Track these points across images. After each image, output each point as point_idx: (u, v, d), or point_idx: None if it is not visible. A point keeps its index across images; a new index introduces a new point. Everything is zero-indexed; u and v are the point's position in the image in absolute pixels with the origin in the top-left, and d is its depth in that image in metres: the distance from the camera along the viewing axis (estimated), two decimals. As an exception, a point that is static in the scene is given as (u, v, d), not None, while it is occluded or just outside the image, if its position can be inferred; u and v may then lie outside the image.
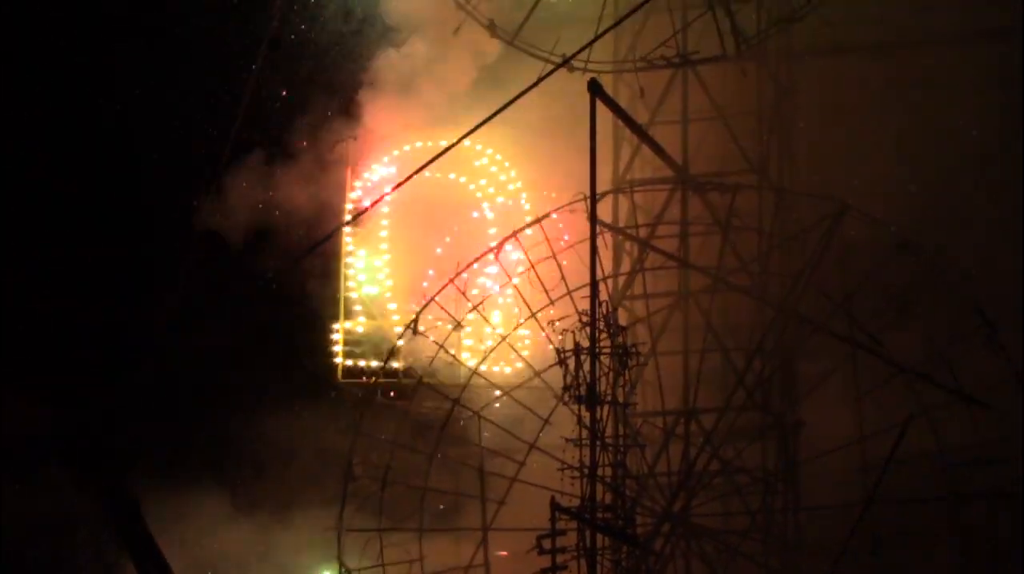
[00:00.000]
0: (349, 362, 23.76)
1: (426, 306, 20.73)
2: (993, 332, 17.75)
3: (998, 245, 19.44)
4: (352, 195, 24.11)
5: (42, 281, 24.62)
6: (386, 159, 23.86)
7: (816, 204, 19.03)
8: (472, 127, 17.29)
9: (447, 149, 18.42)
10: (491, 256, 20.83)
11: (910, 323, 18.46)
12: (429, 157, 18.73)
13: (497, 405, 20.83)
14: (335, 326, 23.86)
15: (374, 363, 23.37)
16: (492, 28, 21.41)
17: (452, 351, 21.09)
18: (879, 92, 20.33)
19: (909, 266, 18.36)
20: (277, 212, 23.88)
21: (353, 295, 23.98)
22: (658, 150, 19.42)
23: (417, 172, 18.46)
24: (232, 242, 23.84)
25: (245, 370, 24.79)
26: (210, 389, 24.70)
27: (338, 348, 23.78)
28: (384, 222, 23.82)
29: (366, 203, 23.43)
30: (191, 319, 21.86)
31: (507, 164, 23.57)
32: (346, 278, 24.03)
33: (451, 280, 20.60)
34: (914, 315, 18.44)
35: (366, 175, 24.07)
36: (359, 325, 23.83)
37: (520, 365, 21.11)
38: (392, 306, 23.70)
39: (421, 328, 20.80)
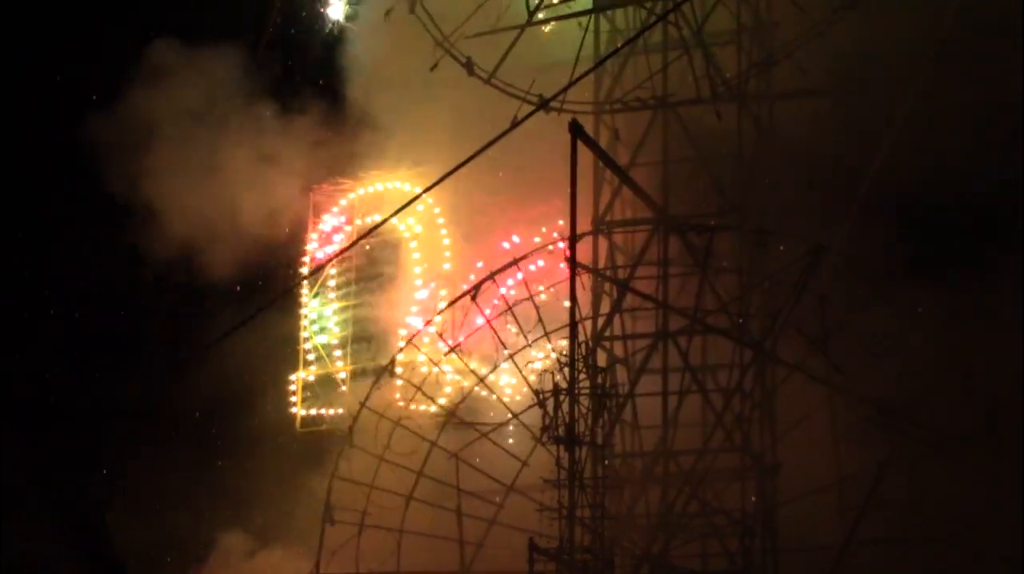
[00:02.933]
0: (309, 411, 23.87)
1: (403, 348, 20.72)
2: (970, 372, 17.79)
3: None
4: (308, 247, 24.26)
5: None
6: (342, 202, 23.94)
7: (795, 245, 19.07)
8: (448, 171, 17.23)
9: (426, 190, 18.49)
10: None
11: (889, 363, 18.46)
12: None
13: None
14: (292, 376, 23.92)
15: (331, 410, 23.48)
16: (469, 66, 21.44)
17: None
18: (858, 133, 20.38)
19: (888, 306, 18.40)
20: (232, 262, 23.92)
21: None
22: (638, 191, 19.46)
23: (399, 211, 18.51)
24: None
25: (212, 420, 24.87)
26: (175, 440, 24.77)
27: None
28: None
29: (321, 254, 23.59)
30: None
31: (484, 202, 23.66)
32: (303, 328, 24.10)
33: (428, 322, 20.60)
34: (893, 355, 18.44)
35: (320, 226, 24.20)
36: (311, 373, 23.88)
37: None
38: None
39: (398, 370, 20.81)
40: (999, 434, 17.78)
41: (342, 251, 23.32)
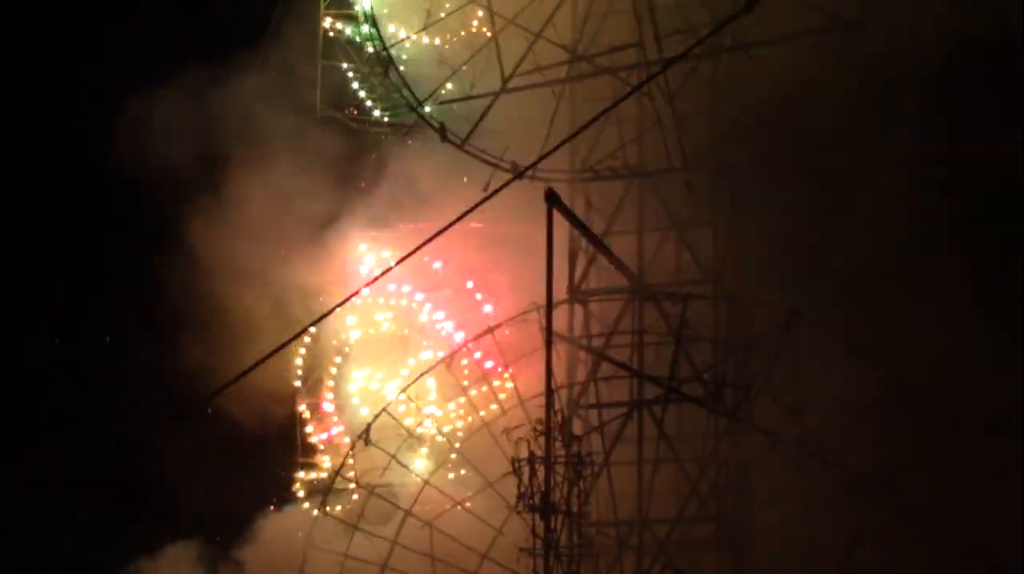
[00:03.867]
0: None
1: (377, 416, 20.69)
2: (944, 442, 17.85)
3: (954, 352, 19.55)
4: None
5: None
6: None
7: (769, 313, 19.15)
8: (424, 240, 17.27)
9: (402, 259, 18.48)
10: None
11: (864, 432, 18.51)
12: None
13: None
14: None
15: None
16: (443, 132, 21.54)
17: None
18: (833, 199, 20.50)
19: (862, 374, 18.46)
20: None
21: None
22: (613, 260, 19.54)
23: (371, 283, 18.55)
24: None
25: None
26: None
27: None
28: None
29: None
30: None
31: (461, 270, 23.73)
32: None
33: (404, 390, 20.61)
34: (867, 424, 18.49)
35: None
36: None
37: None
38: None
39: (373, 438, 20.75)
40: (975, 504, 17.83)
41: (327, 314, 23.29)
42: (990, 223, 19.03)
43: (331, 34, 25.07)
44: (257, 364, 19.64)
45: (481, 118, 21.28)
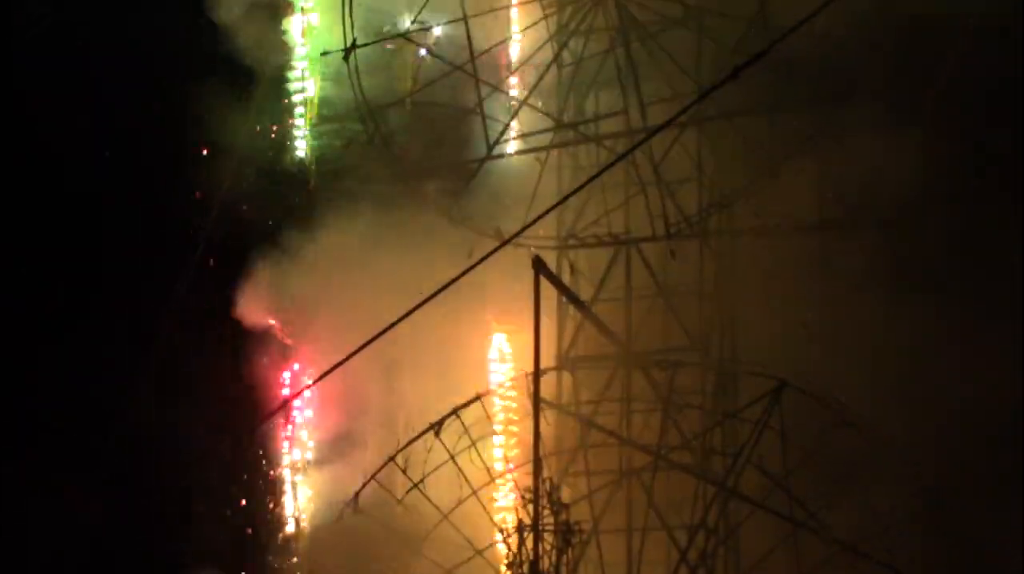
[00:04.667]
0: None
1: (365, 485, 20.62)
2: (937, 508, 17.86)
3: (942, 418, 19.57)
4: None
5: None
6: None
7: (757, 381, 19.18)
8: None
9: (390, 326, 18.43)
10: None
11: (852, 499, 18.51)
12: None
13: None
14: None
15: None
16: (427, 198, 21.62)
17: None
18: (820, 271, 20.58)
19: (850, 442, 18.48)
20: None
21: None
22: (601, 327, 19.57)
23: (363, 347, 18.46)
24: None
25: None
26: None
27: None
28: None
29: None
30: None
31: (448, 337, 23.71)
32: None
33: (391, 458, 20.53)
34: (856, 491, 18.50)
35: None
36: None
37: None
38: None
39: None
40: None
41: (315, 382, 23.25)
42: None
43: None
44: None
45: (466, 185, 21.36)
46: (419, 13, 22.04)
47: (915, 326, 19.52)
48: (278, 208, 24.72)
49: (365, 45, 21.48)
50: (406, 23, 22.37)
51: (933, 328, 19.29)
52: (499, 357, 22.53)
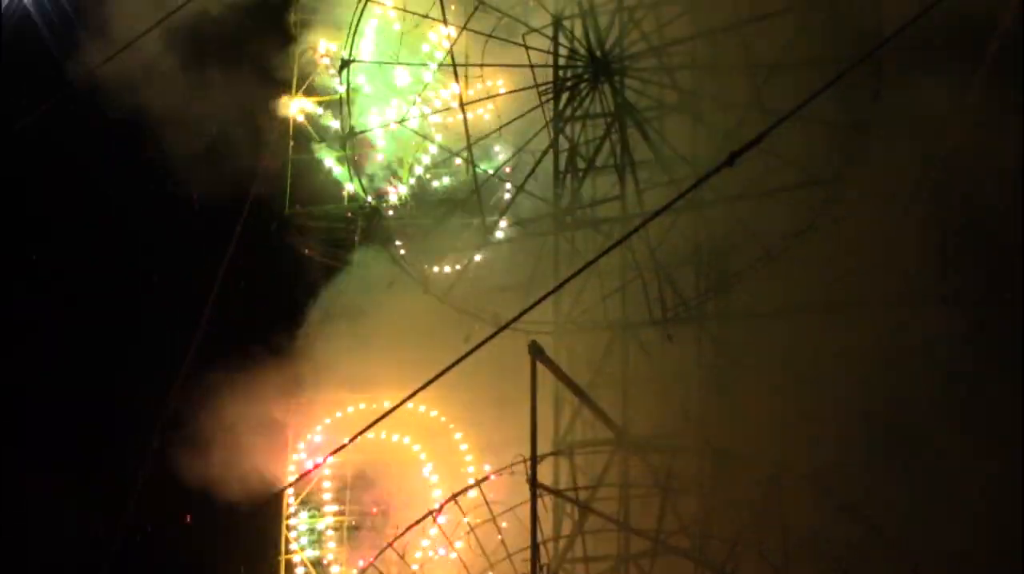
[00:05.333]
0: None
1: (364, 570, 20.51)
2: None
3: (938, 505, 19.49)
4: (295, 457, 24.18)
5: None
6: (327, 420, 23.97)
7: (756, 466, 19.10)
8: (411, 392, 17.26)
9: (387, 414, 18.43)
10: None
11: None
12: (369, 418, 18.79)
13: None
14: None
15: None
16: (425, 284, 21.67)
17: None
18: (818, 355, 20.58)
19: (850, 528, 18.37)
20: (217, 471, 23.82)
21: (295, 558, 23.92)
22: (598, 412, 19.53)
23: (356, 437, 18.47)
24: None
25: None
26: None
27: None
28: (326, 484, 23.86)
29: (309, 465, 23.50)
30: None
31: (446, 421, 23.74)
32: (287, 541, 23.97)
33: (390, 544, 20.44)
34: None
35: (308, 436, 24.15)
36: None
37: None
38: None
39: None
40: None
41: (320, 464, 23.24)
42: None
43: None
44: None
45: (463, 271, 21.42)
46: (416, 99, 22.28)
47: (915, 411, 19.52)
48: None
49: (363, 132, 21.66)
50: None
51: (934, 413, 19.30)
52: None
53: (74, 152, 25.90)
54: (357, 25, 21.83)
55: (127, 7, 24.40)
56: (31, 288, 26.36)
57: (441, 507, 20.48)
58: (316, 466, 22.63)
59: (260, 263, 25.09)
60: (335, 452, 20.82)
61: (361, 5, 21.78)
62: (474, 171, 21.42)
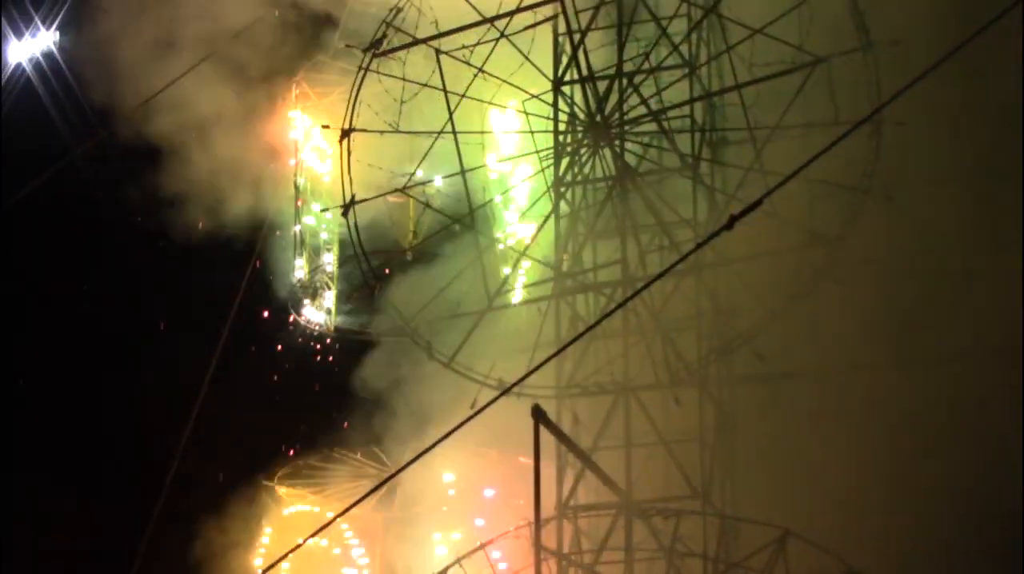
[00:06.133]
0: None
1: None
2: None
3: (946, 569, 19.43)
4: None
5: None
6: None
7: (760, 529, 19.04)
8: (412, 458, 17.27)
9: (384, 481, 18.52)
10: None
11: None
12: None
13: None
14: None
15: None
16: (429, 350, 21.69)
17: None
18: (820, 418, 20.57)
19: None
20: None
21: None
22: (602, 475, 19.47)
23: (367, 496, 18.45)
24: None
25: None
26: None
27: None
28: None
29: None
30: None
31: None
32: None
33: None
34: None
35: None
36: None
37: None
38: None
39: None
40: None
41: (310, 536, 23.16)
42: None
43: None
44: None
45: (467, 337, 21.43)
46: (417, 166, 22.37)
47: (920, 476, 19.50)
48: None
49: (364, 201, 21.73)
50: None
51: (939, 477, 19.28)
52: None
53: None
54: (357, 94, 21.95)
55: (129, 83, 24.68)
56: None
57: (445, 570, 20.41)
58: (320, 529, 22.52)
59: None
60: (339, 515, 20.81)
61: (360, 75, 21.94)
62: (477, 237, 21.48)
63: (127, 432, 26.52)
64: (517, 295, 22.20)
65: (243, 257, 24.73)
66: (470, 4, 21.13)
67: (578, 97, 20.97)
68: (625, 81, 20.65)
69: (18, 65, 24.46)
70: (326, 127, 25.20)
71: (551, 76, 21.38)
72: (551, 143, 21.34)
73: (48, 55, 24.59)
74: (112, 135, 23.44)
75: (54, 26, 24.56)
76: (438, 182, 23.64)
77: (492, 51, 21.05)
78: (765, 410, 20.59)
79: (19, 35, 24.49)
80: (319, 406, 24.56)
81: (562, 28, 21.16)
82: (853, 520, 19.68)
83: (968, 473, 19.10)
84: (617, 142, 20.62)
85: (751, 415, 20.80)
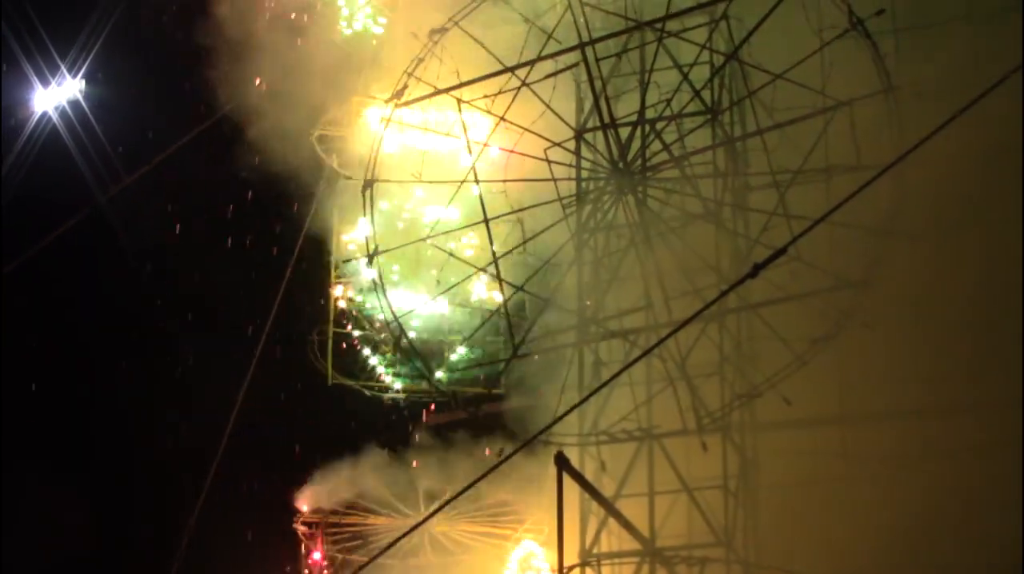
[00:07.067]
0: None
1: None
2: None
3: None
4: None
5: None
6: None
7: (785, 575, 18.91)
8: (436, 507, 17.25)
9: (414, 527, 18.39)
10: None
11: None
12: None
13: None
14: None
15: None
16: (455, 400, 21.65)
17: None
18: (842, 464, 20.44)
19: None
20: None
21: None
22: (625, 523, 19.35)
23: (393, 544, 18.39)
24: None
25: None
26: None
27: None
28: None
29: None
30: None
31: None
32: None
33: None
34: None
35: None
36: None
37: None
38: None
39: None
40: None
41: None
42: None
43: (341, 303, 25.47)
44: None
45: (493, 386, 21.41)
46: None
47: (944, 523, 19.34)
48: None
49: (388, 251, 21.71)
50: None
51: (965, 526, 19.12)
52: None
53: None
54: (379, 147, 22.02)
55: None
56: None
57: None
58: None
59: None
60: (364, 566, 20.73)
61: (384, 125, 22.04)
62: (501, 285, 21.41)
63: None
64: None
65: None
66: (491, 54, 21.21)
67: (600, 144, 20.97)
68: (647, 127, 20.64)
69: (44, 113, 24.62)
70: (348, 178, 25.31)
71: (573, 124, 21.42)
72: (574, 190, 21.33)
73: (74, 103, 24.73)
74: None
75: (80, 74, 24.70)
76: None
77: (513, 100, 21.06)
78: (789, 457, 20.45)
79: (45, 83, 24.64)
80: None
81: (583, 76, 21.19)
82: (878, 569, 19.51)
83: (1000, 522, 18.95)
84: (640, 188, 20.58)
85: (775, 462, 20.65)
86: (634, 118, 20.75)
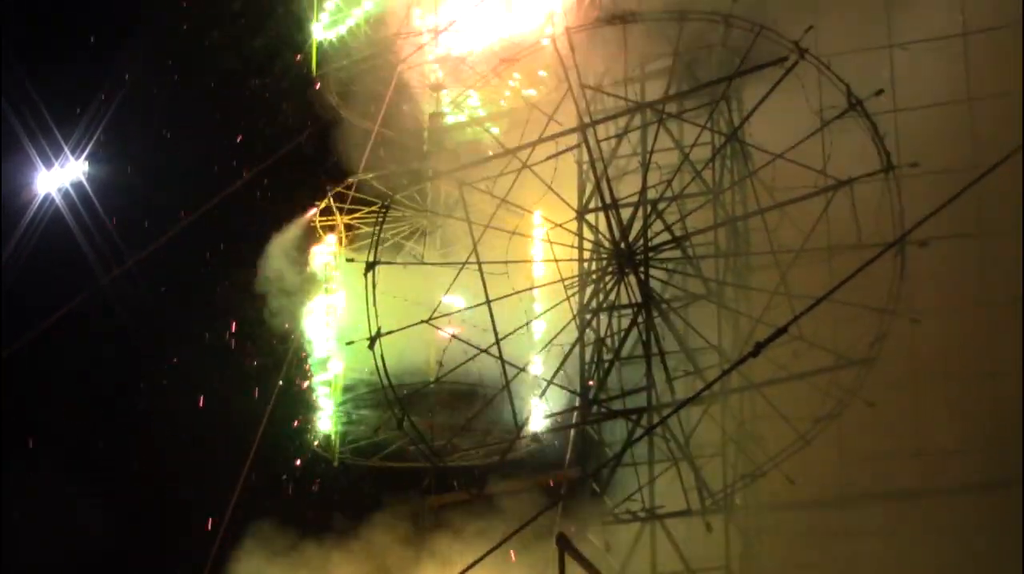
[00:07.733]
0: None
1: None
2: None
3: None
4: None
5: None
6: None
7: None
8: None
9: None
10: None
11: None
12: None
13: None
14: None
15: None
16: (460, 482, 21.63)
17: None
18: (842, 544, 20.32)
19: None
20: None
21: None
22: (628, 604, 19.27)
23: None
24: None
25: None
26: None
27: None
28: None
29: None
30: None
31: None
32: None
33: None
34: None
35: None
36: None
37: None
38: None
39: None
40: None
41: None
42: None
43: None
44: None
45: (497, 469, 21.34)
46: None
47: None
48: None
49: (390, 333, 21.70)
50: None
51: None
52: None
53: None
54: (380, 230, 22.06)
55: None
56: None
57: None
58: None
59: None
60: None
61: (383, 211, 22.15)
62: (504, 366, 21.33)
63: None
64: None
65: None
66: (493, 136, 21.29)
67: (602, 225, 21.01)
68: (649, 208, 20.70)
69: (47, 195, 24.76)
70: (350, 261, 25.33)
71: (575, 205, 21.47)
72: (576, 271, 21.35)
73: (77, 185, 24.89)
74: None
75: (83, 156, 24.84)
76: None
77: (515, 181, 21.13)
78: (791, 537, 20.34)
79: (48, 165, 24.78)
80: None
81: (585, 157, 21.29)
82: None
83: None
84: (641, 269, 20.59)
85: (777, 542, 20.54)
86: (636, 198, 20.81)
